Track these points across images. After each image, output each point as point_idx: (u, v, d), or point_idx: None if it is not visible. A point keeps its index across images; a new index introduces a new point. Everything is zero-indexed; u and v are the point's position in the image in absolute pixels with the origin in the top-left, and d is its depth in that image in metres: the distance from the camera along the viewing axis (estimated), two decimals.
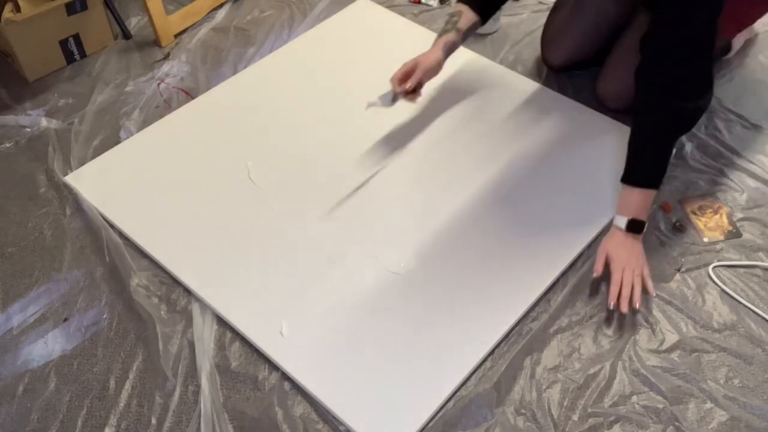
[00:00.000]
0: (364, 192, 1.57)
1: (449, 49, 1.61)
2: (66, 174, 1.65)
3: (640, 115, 1.35)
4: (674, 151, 1.60)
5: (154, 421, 1.24)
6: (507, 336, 1.33)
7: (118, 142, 1.73)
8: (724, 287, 1.39)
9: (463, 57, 1.89)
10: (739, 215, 1.51)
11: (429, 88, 1.78)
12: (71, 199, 1.61)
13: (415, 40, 1.74)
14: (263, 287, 1.40)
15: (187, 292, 1.42)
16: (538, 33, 1.88)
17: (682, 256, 1.45)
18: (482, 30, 1.97)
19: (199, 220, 1.53)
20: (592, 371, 1.28)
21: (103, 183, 1.62)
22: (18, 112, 1.84)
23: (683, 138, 1.65)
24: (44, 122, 1.80)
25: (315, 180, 1.60)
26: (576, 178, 1.58)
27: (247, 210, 1.54)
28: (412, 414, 1.22)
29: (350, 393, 1.24)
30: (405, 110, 1.74)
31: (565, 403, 1.24)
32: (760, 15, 1.71)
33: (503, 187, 1.57)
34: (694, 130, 1.67)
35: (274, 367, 1.30)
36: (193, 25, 2.08)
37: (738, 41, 1.83)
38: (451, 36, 1.59)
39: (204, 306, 1.39)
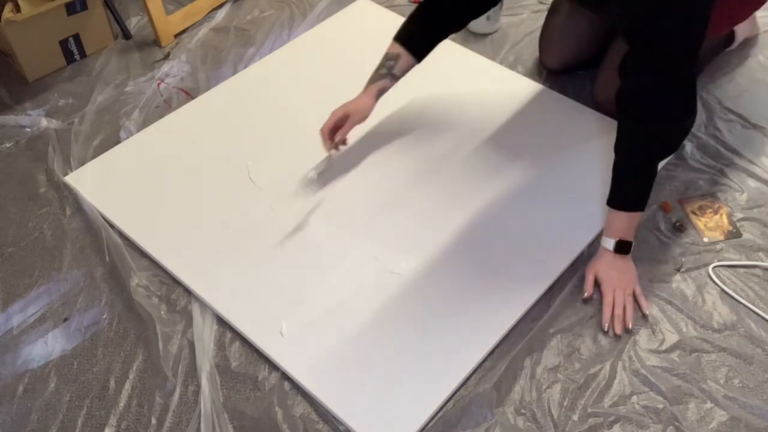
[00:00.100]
0: (364, 192, 1.57)
1: (381, 95, 1.55)
2: (66, 174, 1.65)
3: (622, 140, 1.33)
4: (672, 156, 1.61)
5: (154, 421, 1.24)
6: (507, 336, 1.33)
7: (118, 142, 1.73)
8: (724, 287, 1.39)
9: (463, 57, 1.89)
10: (739, 215, 1.51)
11: (429, 90, 1.78)
12: (71, 199, 1.61)
13: None
14: (263, 287, 1.40)
15: (187, 292, 1.42)
16: (538, 33, 1.88)
17: (682, 256, 1.45)
18: (482, 30, 1.97)
19: (199, 220, 1.53)
20: (592, 371, 1.28)
21: (103, 183, 1.62)
22: (18, 112, 1.84)
23: None
24: (44, 122, 1.80)
25: (314, 180, 1.59)
26: (577, 179, 1.58)
27: (247, 210, 1.54)
28: (412, 414, 1.22)
29: (350, 393, 1.24)
30: (404, 110, 1.74)
31: (565, 403, 1.24)
32: (751, 11, 1.70)
33: (504, 187, 1.57)
34: (693, 130, 1.68)
35: (274, 367, 1.30)
36: (193, 25, 2.09)
37: (741, 32, 1.82)
38: (385, 82, 1.53)
39: (204, 306, 1.39)
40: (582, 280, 1.39)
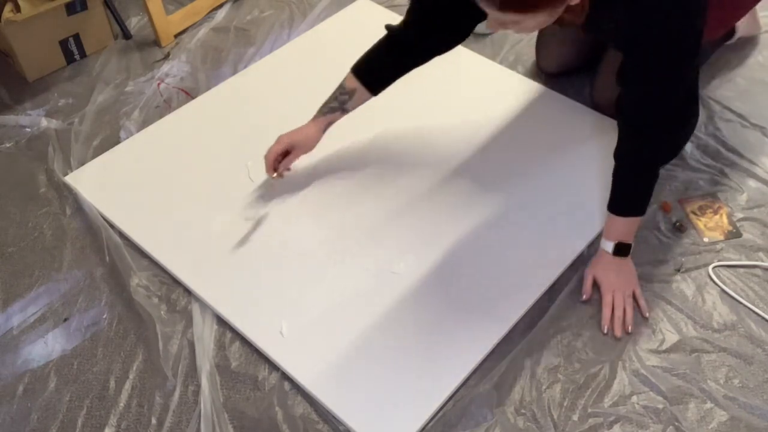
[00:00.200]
0: (364, 192, 1.57)
1: (329, 127, 1.52)
2: (66, 174, 1.65)
3: (622, 147, 1.32)
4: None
5: (154, 421, 1.24)
6: (507, 336, 1.32)
7: (118, 142, 1.73)
8: (724, 287, 1.39)
9: (463, 57, 1.89)
10: (739, 215, 1.51)
11: (429, 90, 1.78)
12: (71, 199, 1.61)
13: None
14: (263, 287, 1.40)
15: (187, 292, 1.42)
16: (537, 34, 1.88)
17: (682, 256, 1.45)
18: (482, 30, 1.97)
19: (199, 219, 1.53)
20: (592, 371, 1.28)
21: (103, 183, 1.62)
22: (18, 112, 1.84)
23: None
24: (44, 122, 1.80)
25: (314, 181, 1.60)
26: (577, 179, 1.58)
27: (247, 210, 1.54)
28: (412, 414, 1.22)
29: (350, 393, 1.24)
30: (404, 111, 1.74)
31: (565, 403, 1.24)
32: (745, 12, 1.70)
33: (504, 187, 1.57)
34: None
35: (274, 367, 1.30)
36: (193, 25, 2.08)
37: (742, 27, 1.82)
38: (336, 116, 1.50)
39: (204, 306, 1.39)
40: (582, 280, 1.39)
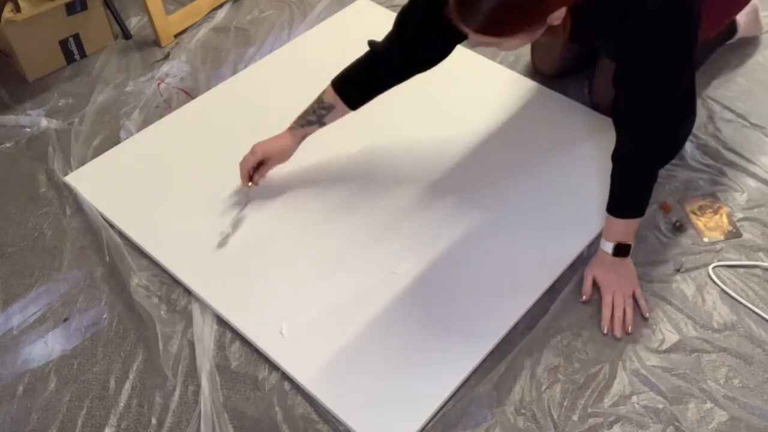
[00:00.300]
0: (364, 192, 1.57)
1: (304, 139, 1.52)
2: (66, 174, 1.65)
3: (620, 150, 1.32)
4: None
5: (154, 421, 1.24)
6: (507, 336, 1.32)
7: (118, 142, 1.73)
8: (724, 287, 1.39)
9: (463, 57, 1.89)
10: (739, 215, 1.51)
11: (429, 89, 1.78)
12: (71, 199, 1.61)
13: None
14: (263, 287, 1.40)
15: (187, 292, 1.42)
16: None
17: (682, 256, 1.45)
18: None
19: (198, 219, 1.53)
20: (592, 371, 1.28)
21: (103, 183, 1.62)
22: (18, 112, 1.84)
23: None
24: (44, 122, 1.80)
25: (315, 182, 1.60)
26: (577, 178, 1.58)
27: (247, 210, 1.54)
28: (412, 414, 1.22)
29: (350, 393, 1.24)
30: (404, 111, 1.74)
31: (565, 403, 1.24)
32: (738, 11, 1.69)
33: (504, 186, 1.57)
34: (693, 130, 1.68)
35: (274, 367, 1.30)
36: (193, 25, 2.08)
37: (743, 25, 1.81)
38: (313, 128, 1.50)
39: (204, 306, 1.39)
40: (582, 280, 1.39)
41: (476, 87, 1.81)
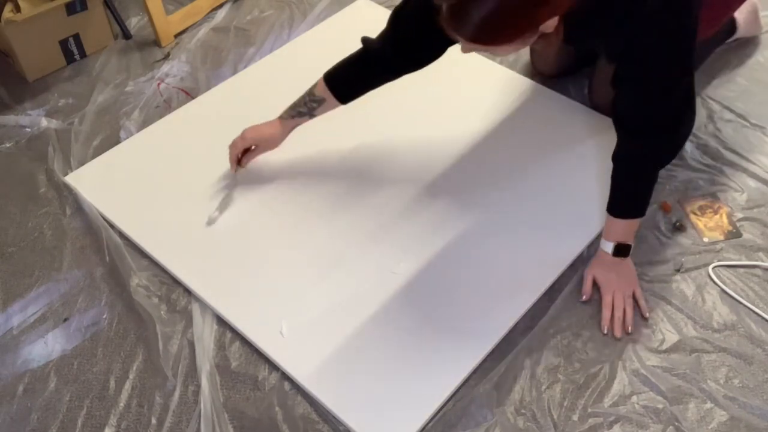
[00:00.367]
0: (364, 192, 1.57)
1: (293, 129, 1.55)
2: (66, 174, 1.65)
3: (620, 151, 1.32)
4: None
5: (154, 421, 1.24)
6: (507, 336, 1.33)
7: (118, 142, 1.73)
8: (724, 287, 1.39)
9: (463, 57, 1.88)
10: (739, 215, 1.51)
11: (428, 89, 1.78)
12: (71, 199, 1.61)
13: None
14: (263, 287, 1.40)
15: (187, 292, 1.42)
16: None
17: (682, 256, 1.45)
18: None
19: (199, 220, 1.53)
20: (592, 371, 1.28)
21: (103, 183, 1.62)
22: (18, 112, 1.84)
23: None
24: (44, 122, 1.80)
25: (315, 181, 1.60)
26: (577, 178, 1.58)
27: (247, 210, 1.54)
28: (412, 414, 1.22)
29: (350, 393, 1.24)
30: (404, 110, 1.74)
31: (565, 403, 1.24)
32: (735, 8, 1.69)
33: (504, 186, 1.57)
34: (693, 129, 1.67)
35: (274, 367, 1.30)
36: (193, 25, 2.08)
37: (743, 23, 1.81)
38: (303, 120, 1.52)
39: (204, 306, 1.39)
40: (582, 280, 1.39)
41: (476, 87, 1.81)
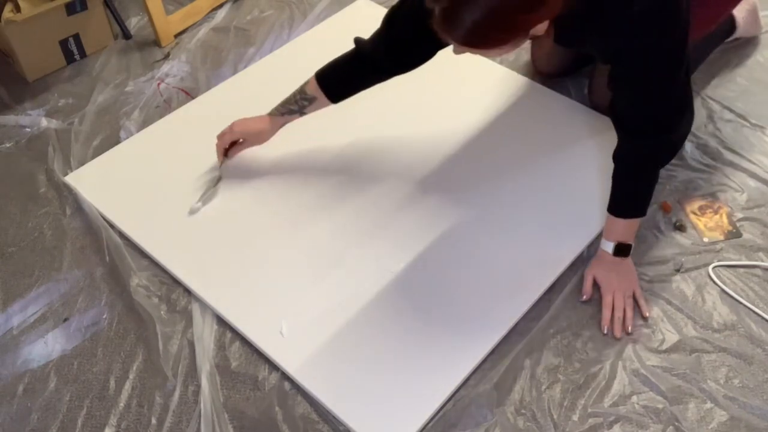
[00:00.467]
0: (364, 191, 1.57)
1: (283, 126, 1.57)
2: (66, 174, 1.65)
3: (620, 151, 1.33)
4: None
5: (154, 421, 1.24)
6: (507, 336, 1.33)
7: (118, 142, 1.73)
8: (724, 287, 1.39)
9: (463, 56, 1.88)
10: (739, 215, 1.51)
11: (429, 89, 1.78)
12: (71, 199, 1.61)
13: None
14: (263, 287, 1.40)
15: (187, 292, 1.42)
16: None
17: (682, 256, 1.45)
18: None
19: (198, 220, 1.53)
20: (592, 371, 1.28)
21: (103, 183, 1.62)
22: (18, 112, 1.84)
23: None
24: (44, 122, 1.80)
25: (315, 180, 1.60)
26: (577, 178, 1.58)
27: (247, 210, 1.54)
28: (412, 414, 1.22)
29: (350, 393, 1.24)
30: (404, 109, 1.74)
31: (565, 403, 1.24)
32: (730, 9, 1.69)
33: (504, 186, 1.57)
34: (693, 129, 1.68)
35: (274, 367, 1.30)
36: (193, 25, 2.08)
37: (743, 22, 1.81)
38: (293, 117, 1.54)
39: (204, 306, 1.39)
40: (582, 280, 1.39)
41: (476, 86, 1.81)
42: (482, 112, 1.74)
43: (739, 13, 1.79)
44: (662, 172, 1.57)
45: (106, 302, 1.42)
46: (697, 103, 1.75)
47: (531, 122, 1.71)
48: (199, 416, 1.24)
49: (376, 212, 1.53)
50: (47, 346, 1.36)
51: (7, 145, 1.76)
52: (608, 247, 1.36)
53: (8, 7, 1.85)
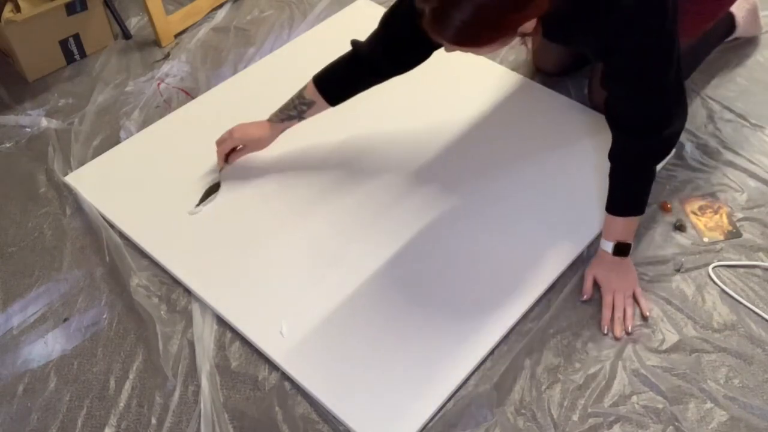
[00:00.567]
0: (364, 191, 1.57)
1: (282, 132, 1.58)
2: (66, 174, 1.65)
3: (615, 149, 1.33)
4: (672, 153, 1.61)
5: (154, 421, 1.24)
6: (507, 336, 1.33)
7: (118, 142, 1.73)
8: (724, 287, 1.39)
9: (463, 57, 1.88)
10: (739, 215, 1.51)
11: (428, 89, 1.78)
12: (71, 199, 1.61)
13: None
14: (263, 287, 1.40)
15: (187, 292, 1.42)
16: None
17: (682, 256, 1.45)
18: None
19: (199, 220, 1.53)
20: (592, 371, 1.28)
21: (103, 183, 1.62)
22: (18, 112, 1.84)
23: (683, 138, 1.65)
24: (44, 122, 1.80)
25: (315, 179, 1.60)
26: (577, 178, 1.58)
27: (247, 210, 1.54)
28: (412, 414, 1.22)
29: (350, 393, 1.24)
30: (403, 112, 1.74)
31: (565, 403, 1.24)
32: (721, 11, 1.69)
33: (504, 186, 1.57)
34: (693, 129, 1.68)
35: (274, 367, 1.30)
36: (193, 25, 2.08)
37: (743, 23, 1.80)
38: (293, 123, 1.55)
39: (204, 306, 1.39)
40: (582, 280, 1.39)
41: (476, 87, 1.81)
42: (482, 112, 1.74)
43: (739, 12, 1.79)
44: (662, 172, 1.57)
45: (106, 302, 1.42)
46: (697, 103, 1.75)
47: (531, 122, 1.71)
48: (199, 416, 1.24)
49: (376, 213, 1.53)
50: (47, 346, 1.36)
51: (7, 145, 1.76)
52: (608, 246, 1.36)
53: (8, 7, 1.86)
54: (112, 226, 1.53)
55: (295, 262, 1.44)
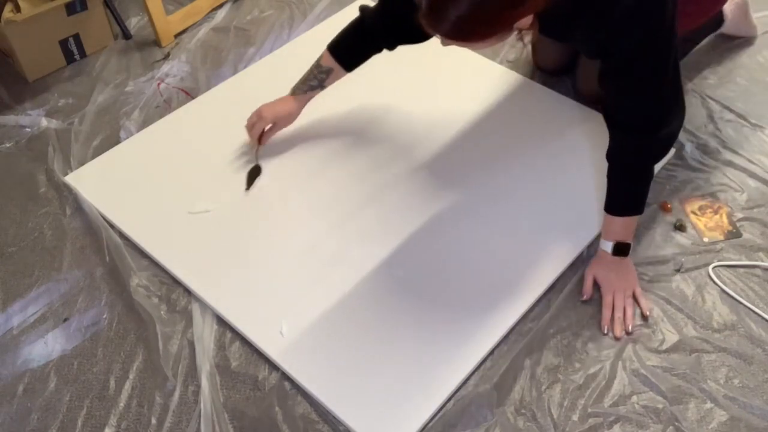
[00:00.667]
0: (364, 192, 1.57)
1: (307, 102, 1.61)
2: (66, 174, 1.65)
3: (613, 149, 1.33)
4: (672, 153, 1.61)
5: (154, 421, 1.24)
6: (507, 336, 1.33)
7: (118, 142, 1.73)
8: (724, 287, 1.39)
9: (463, 57, 1.89)
10: (739, 215, 1.51)
11: (428, 89, 1.78)
12: (71, 199, 1.61)
13: None
14: (263, 287, 1.40)
15: (187, 292, 1.42)
16: None
17: (682, 256, 1.45)
18: None
19: (199, 219, 1.53)
20: (592, 371, 1.28)
21: (103, 183, 1.62)
22: (18, 112, 1.84)
23: (683, 138, 1.66)
24: (44, 122, 1.80)
25: (314, 179, 1.60)
26: (577, 178, 1.58)
27: (247, 210, 1.54)
28: (412, 414, 1.22)
29: (350, 393, 1.24)
30: (404, 111, 1.74)
31: (565, 403, 1.24)
32: (715, 9, 1.69)
33: (504, 187, 1.57)
34: (693, 129, 1.68)
35: (274, 367, 1.30)
36: (193, 25, 2.09)
37: (731, 19, 1.81)
38: (315, 93, 1.58)
39: (204, 306, 1.39)
40: (582, 280, 1.39)
41: (476, 86, 1.81)
42: (482, 112, 1.74)
43: (726, 6, 1.79)
44: (662, 172, 1.58)
45: (106, 302, 1.42)
46: (697, 103, 1.75)
47: (531, 122, 1.71)
48: (199, 416, 1.24)
49: (376, 212, 1.53)
50: (47, 346, 1.36)
51: (7, 145, 1.76)
52: (607, 246, 1.36)
53: (8, 7, 1.86)
54: (112, 226, 1.53)
55: (296, 262, 1.44)
